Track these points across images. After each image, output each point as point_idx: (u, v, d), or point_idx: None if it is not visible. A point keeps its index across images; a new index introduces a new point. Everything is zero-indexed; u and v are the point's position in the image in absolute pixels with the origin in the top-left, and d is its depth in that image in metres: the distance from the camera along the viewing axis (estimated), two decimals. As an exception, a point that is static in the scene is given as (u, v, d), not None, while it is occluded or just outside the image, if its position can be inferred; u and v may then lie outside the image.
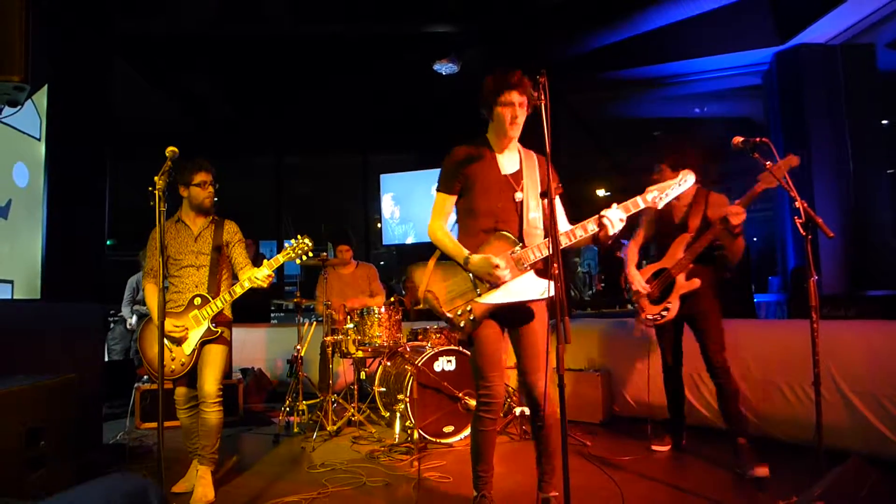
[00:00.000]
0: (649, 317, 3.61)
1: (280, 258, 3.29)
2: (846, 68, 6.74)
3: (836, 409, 3.61)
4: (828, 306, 5.75)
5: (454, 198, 2.71)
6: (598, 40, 7.06)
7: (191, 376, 3.31)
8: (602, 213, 2.47)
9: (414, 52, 7.59)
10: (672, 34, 6.75)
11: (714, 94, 8.71)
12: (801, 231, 2.65)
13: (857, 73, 6.75)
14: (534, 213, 2.59)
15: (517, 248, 2.54)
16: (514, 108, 2.54)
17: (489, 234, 2.58)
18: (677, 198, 3.55)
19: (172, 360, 3.23)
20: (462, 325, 2.54)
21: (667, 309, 3.55)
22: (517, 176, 2.64)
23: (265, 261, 3.24)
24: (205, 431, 3.25)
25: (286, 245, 3.33)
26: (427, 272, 2.61)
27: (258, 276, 3.16)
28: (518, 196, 2.58)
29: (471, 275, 2.55)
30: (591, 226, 2.49)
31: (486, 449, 2.68)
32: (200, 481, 3.22)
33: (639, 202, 2.55)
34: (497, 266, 2.46)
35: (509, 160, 2.68)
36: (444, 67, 7.48)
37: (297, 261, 3.34)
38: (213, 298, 3.26)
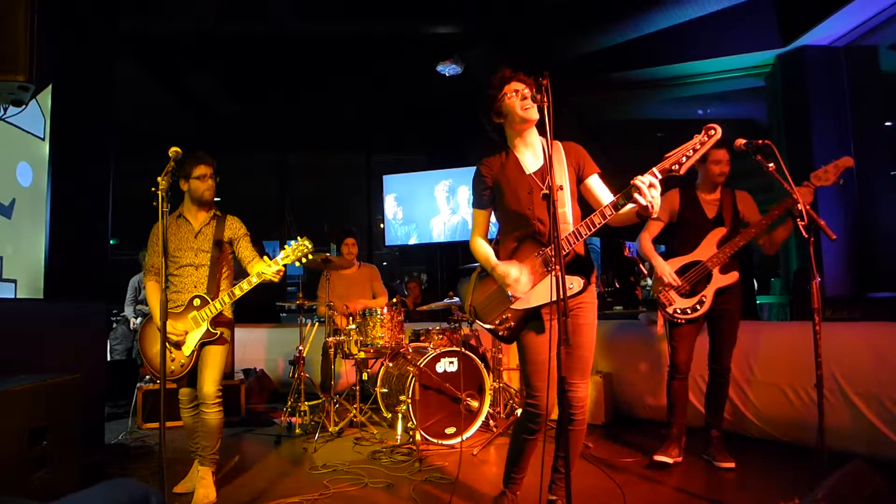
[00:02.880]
0: (678, 310, 3.48)
1: (280, 261, 3.21)
2: (849, 70, 6.72)
3: (839, 411, 3.60)
4: (831, 308, 5.73)
5: (488, 212, 2.70)
6: (601, 42, 7.06)
7: (192, 376, 3.29)
8: (633, 181, 2.24)
9: (417, 53, 7.60)
10: (675, 36, 6.75)
11: (717, 96, 8.70)
12: (804, 233, 2.64)
13: (860, 75, 6.73)
14: (562, 209, 2.47)
15: (542, 249, 2.47)
16: (521, 94, 2.49)
17: (519, 240, 2.54)
18: (707, 192, 3.61)
19: (172, 360, 3.22)
20: (501, 334, 2.52)
21: (702, 302, 3.46)
22: (542, 172, 2.53)
23: (269, 258, 3.23)
24: (205, 432, 3.24)
25: (287, 246, 3.28)
26: (470, 287, 2.66)
27: (267, 271, 3.14)
28: (545, 190, 2.40)
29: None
30: (621, 200, 2.29)
31: (525, 457, 2.62)
32: (201, 482, 3.22)
33: (656, 173, 2.26)
34: (507, 275, 2.44)
35: (532, 157, 2.60)
36: (448, 69, 7.49)
37: (297, 263, 3.28)
38: (212, 300, 3.24)
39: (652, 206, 2.18)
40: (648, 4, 6.29)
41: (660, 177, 2.24)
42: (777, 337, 4.16)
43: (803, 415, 3.78)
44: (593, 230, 2.41)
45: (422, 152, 10.58)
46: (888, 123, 7.81)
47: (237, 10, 6.45)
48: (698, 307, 3.47)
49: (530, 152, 2.61)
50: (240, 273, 3.38)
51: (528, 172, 2.57)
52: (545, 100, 2.22)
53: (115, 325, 6.53)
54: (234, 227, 3.42)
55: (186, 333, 3.22)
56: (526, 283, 2.46)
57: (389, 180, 9.31)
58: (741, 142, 2.96)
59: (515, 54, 7.40)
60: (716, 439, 3.58)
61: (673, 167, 2.33)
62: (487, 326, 2.55)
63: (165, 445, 2.50)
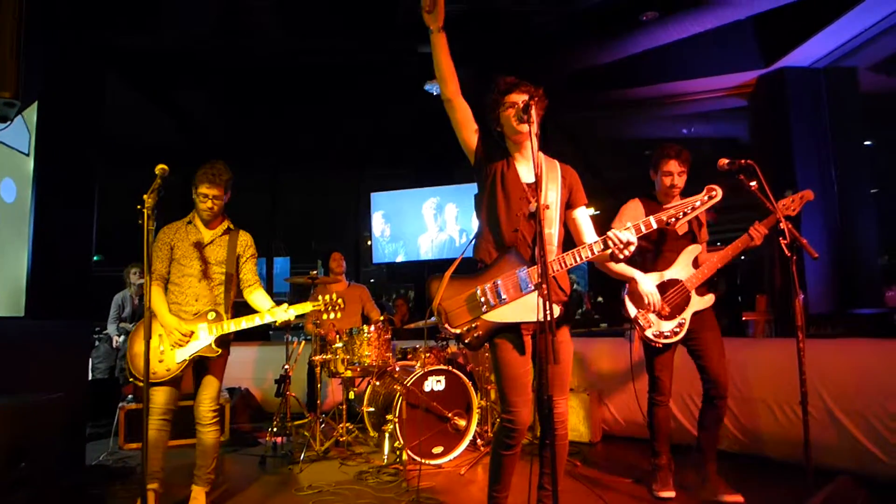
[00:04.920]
0: (655, 334, 3.24)
1: (308, 307, 3.25)
2: (829, 91, 6.87)
3: (825, 427, 3.62)
4: (814, 325, 5.80)
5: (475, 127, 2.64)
6: (589, 61, 7.16)
7: (175, 385, 3.16)
8: (608, 233, 2.37)
9: (405, 72, 7.66)
10: (660, 57, 6.86)
11: (701, 115, 8.85)
12: (786, 252, 2.68)
13: (840, 95, 6.88)
14: (549, 230, 2.48)
15: (524, 268, 2.45)
16: (518, 106, 2.48)
17: (500, 252, 2.51)
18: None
19: (160, 361, 3.08)
20: (467, 340, 2.47)
21: (681, 325, 3.24)
22: (534, 187, 2.50)
23: (288, 305, 3.22)
24: (201, 451, 3.21)
25: (320, 297, 3.32)
26: (441, 285, 2.52)
27: (281, 316, 3.15)
28: (532, 207, 2.48)
29: (479, 289, 2.47)
30: (596, 248, 2.41)
31: (505, 473, 2.57)
32: (194, 503, 3.17)
33: (651, 223, 2.42)
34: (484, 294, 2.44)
35: (527, 171, 2.57)
36: (435, 87, 7.55)
37: (325, 316, 3.31)
38: (226, 318, 3.17)
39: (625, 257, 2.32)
40: (633, 27, 6.40)
41: (645, 231, 2.37)
42: (762, 353, 4.19)
43: (789, 431, 3.79)
44: (577, 263, 2.46)
45: (409, 170, 10.62)
46: (868, 143, 7.97)
47: (227, 29, 6.47)
48: (678, 330, 3.24)
49: (526, 166, 2.59)
50: None
51: (525, 184, 2.54)
52: (531, 119, 2.26)
53: (97, 342, 6.44)
54: (244, 244, 3.37)
55: (191, 334, 3.13)
56: (495, 304, 2.45)
57: (377, 198, 9.33)
58: (724, 161, 3.00)
59: (502, 73, 7.47)
60: (714, 474, 3.27)
61: (669, 221, 2.38)
62: (454, 330, 2.48)
63: (148, 465, 2.46)
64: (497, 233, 2.54)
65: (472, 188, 8.62)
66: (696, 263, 3.29)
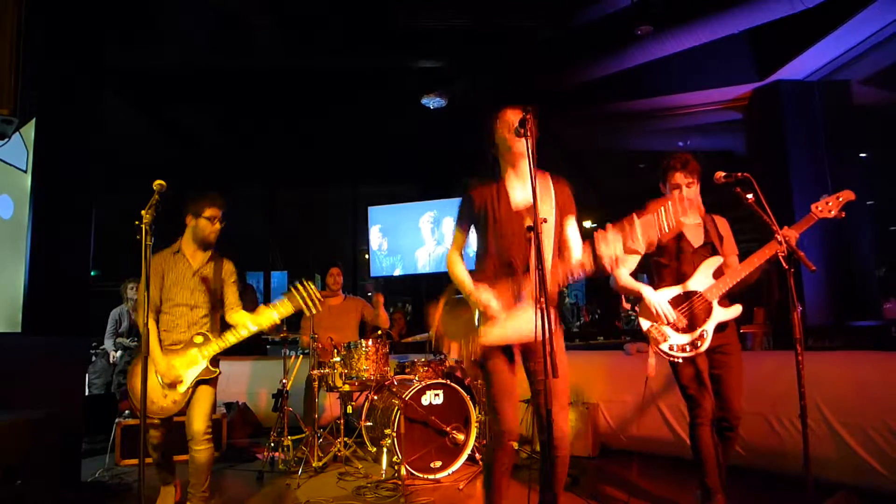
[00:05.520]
0: (675, 346, 3.06)
1: (288, 305, 3.20)
2: (824, 103, 6.92)
3: (824, 440, 3.61)
4: (812, 337, 5.79)
5: (467, 234, 2.75)
6: (585, 76, 7.21)
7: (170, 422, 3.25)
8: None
9: (402, 87, 7.71)
10: (656, 70, 6.92)
11: (697, 128, 8.89)
12: (784, 264, 2.68)
13: (834, 108, 6.93)
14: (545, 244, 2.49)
15: (521, 286, 2.49)
16: (512, 125, 2.53)
17: (496, 273, 2.57)
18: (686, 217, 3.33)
19: (165, 397, 3.15)
20: (468, 364, 2.58)
21: (703, 337, 3.03)
22: (531, 207, 2.47)
23: (265, 307, 3.20)
24: (194, 470, 3.15)
25: (292, 289, 3.22)
26: (438, 311, 2.69)
27: (264, 323, 3.15)
28: (528, 223, 2.45)
29: (476, 312, 2.54)
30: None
31: (497, 486, 2.58)
32: None
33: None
34: (486, 303, 2.48)
35: (522, 190, 2.62)
36: (432, 102, 7.60)
37: (306, 312, 3.23)
38: (214, 339, 3.21)
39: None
40: (629, 40, 6.45)
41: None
42: (761, 366, 4.18)
43: (788, 445, 3.78)
44: (572, 281, 2.53)
45: (406, 184, 10.64)
46: (863, 155, 8.01)
47: (223, 45, 6.51)
48: (699, 343, 3.02)
49: (521, 185, 2.63)
50: None
51: (515, 206, 2.59)
52: (528, 134, 2.28)
53: (94, 358, 6.40)
54: (228, 271, 3.41)
55: (182, 373, 3.15)
56: (500, 311, 2.50)
57: (374, 212, 9.34)
58: (721, 174, 3.01)
59: (499, 88, 7.53)
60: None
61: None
62: (453, 356, 2.59)
63: (145, 482, 2.44)
64: (494, 252, 2.60)
65: (470, 201, 8.67)
66: (717, 275, 3.10)
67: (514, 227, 2.56)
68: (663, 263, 3.22)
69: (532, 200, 2.34)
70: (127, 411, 5.05)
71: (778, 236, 2.80)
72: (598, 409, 4.91)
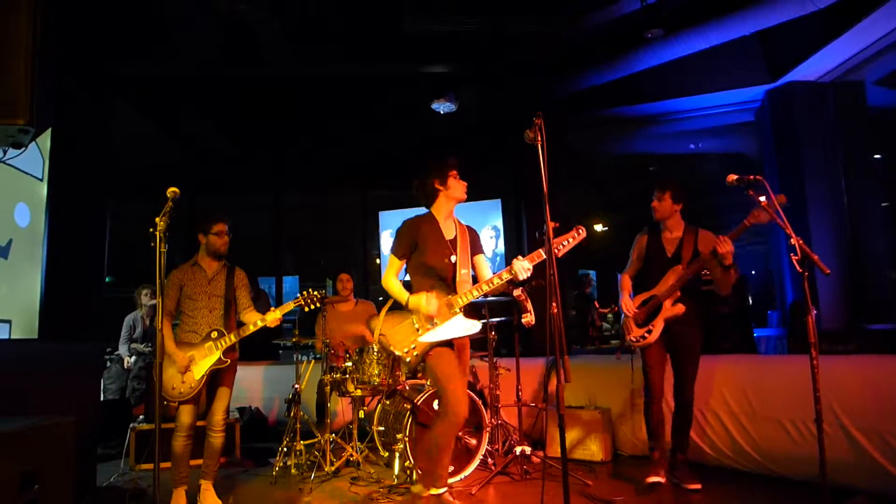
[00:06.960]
0: (633, 338, 3.87)
1: (290, 305, 3.90)
2: (837, 105, 6.86)
3: (840, 445, 3.56)
4: (827, 341, 5.72)
5: (404, 261, 3.42)
6: (594, 79, 7.20)
7: (196, 403, 3.73)
8: (512, 262, 3.14)
9: (412, 92, 7.73)
10: (667, 73, 6.89)
11: (708, 131, 8.84)
12: (798, 268, 2.67)
13: (847, 109, 6.88)
14: (464, 270, 3.37)
15: (451, 296, 3.25)
16: (461, 182, 3.42)
17: (431, 287, 3.27)
18: (669, 232, 3.90)
19: (182, 383, 3.63)
20: (409, 360, 3.21)
21: (650, 331, 3.79)
22: (454, 242, 3.42)
23: (273, 308, 3.80)
24: (210, 453, 3.76)
25: (298, 296, 3.94)
26: (380, 320, 3.39)
27: (268, 319, 3.72)
28: (453, 258, 3.36)
29: (413, 319, 3.23)
30: (505, 275, 3.17)
31: (447, 452, 3.21)
32: (206, 494, 3.71)
33: (541, 253, 3.12)
34: (422, 303, 3.18)
35: (448, 228, 3.46)
36: (442, 106, 7.61)
37: (306, 308, 3.95)
38: (227, 333, 3.74)
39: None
40: (639, 43, 6.44)
41: (537, 260, 3.14)
42: (776, 371, 4.15)
43: (804, 449, 3.74)
44: (486, 291, 3.26)
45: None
46: (877, 156, 7.93)
47: (234, 54, 6.57)
48: (646, 335, 3.80)
49: (448, 223, 3.47)
50: None
51: (446, 238, 3.40)
52: (539, 138, 2.41)
53: (108, 363, 6.46)
54: (239, 278, 3.97)
55: (194, 360, 3.66)
56: (435, 309, 3.20)
57: (385, 216, 9.38)
58: (733, 177, 3.01)
59: (508, 92, 7.54)
60: (681, 463, 3.83)
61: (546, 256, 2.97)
62: (396, 353, 3.21)
63: (160, 487, 2.46)
64: (428, 274, 3.33)
65: (480, 206, 8.69)
66: (675, 280, 3.77)
67: (444, 255, 3.35)
68: (645, 271, 4.02)
69: (454, 238, 3.43)
70: (141, 416, 5.09)
71: (792, 240, 2.78)
72: (610, 414, 4.87)
